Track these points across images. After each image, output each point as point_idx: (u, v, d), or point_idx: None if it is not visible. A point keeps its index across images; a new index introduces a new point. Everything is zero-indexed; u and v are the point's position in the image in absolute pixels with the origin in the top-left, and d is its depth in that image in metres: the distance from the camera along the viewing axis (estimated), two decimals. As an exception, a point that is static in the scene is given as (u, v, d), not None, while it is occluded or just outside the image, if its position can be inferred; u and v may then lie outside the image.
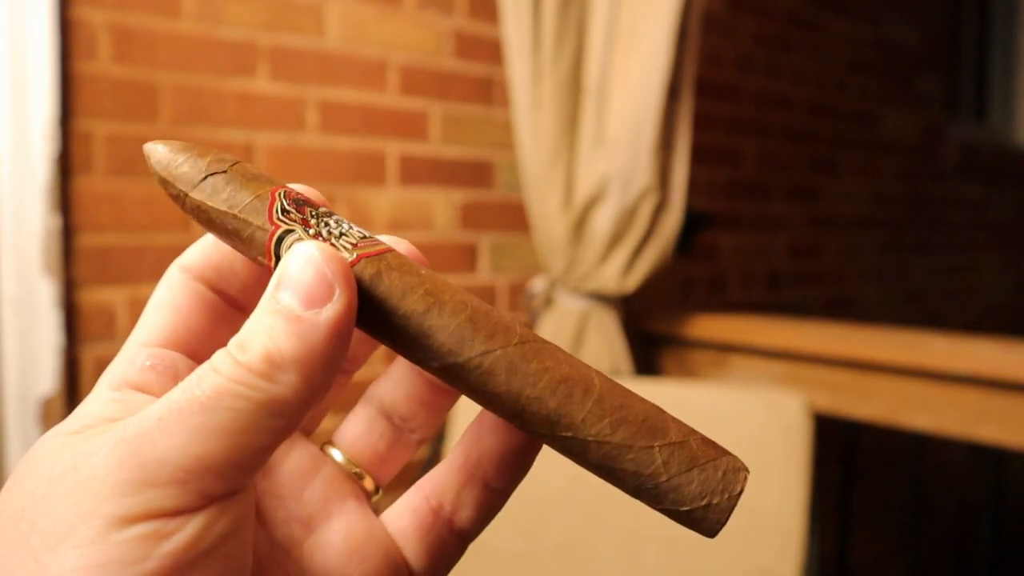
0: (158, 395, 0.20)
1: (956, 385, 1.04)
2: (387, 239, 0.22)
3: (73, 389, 0.96)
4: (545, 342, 0.20)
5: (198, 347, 0.22)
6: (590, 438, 0.19)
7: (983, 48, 2.67)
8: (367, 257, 0.20)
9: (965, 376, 1.02)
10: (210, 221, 0.21)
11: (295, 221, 0.21)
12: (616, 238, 1.18)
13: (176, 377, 0.21)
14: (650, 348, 1.38)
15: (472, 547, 0.23)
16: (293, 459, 0.23)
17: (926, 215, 2.34)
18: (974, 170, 2.53)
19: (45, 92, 0.92)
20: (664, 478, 0.19)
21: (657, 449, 0.19)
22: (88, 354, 0.97)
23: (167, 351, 0.22)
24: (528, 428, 0.20)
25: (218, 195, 0.21)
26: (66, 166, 0.94)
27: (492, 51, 1.30)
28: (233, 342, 0.19)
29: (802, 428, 0.90)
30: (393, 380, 0.24)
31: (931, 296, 2.36)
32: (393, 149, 1.21)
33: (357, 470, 0.24)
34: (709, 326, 1.31)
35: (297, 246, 0.20)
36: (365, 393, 0.25)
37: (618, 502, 0.92)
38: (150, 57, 0.99)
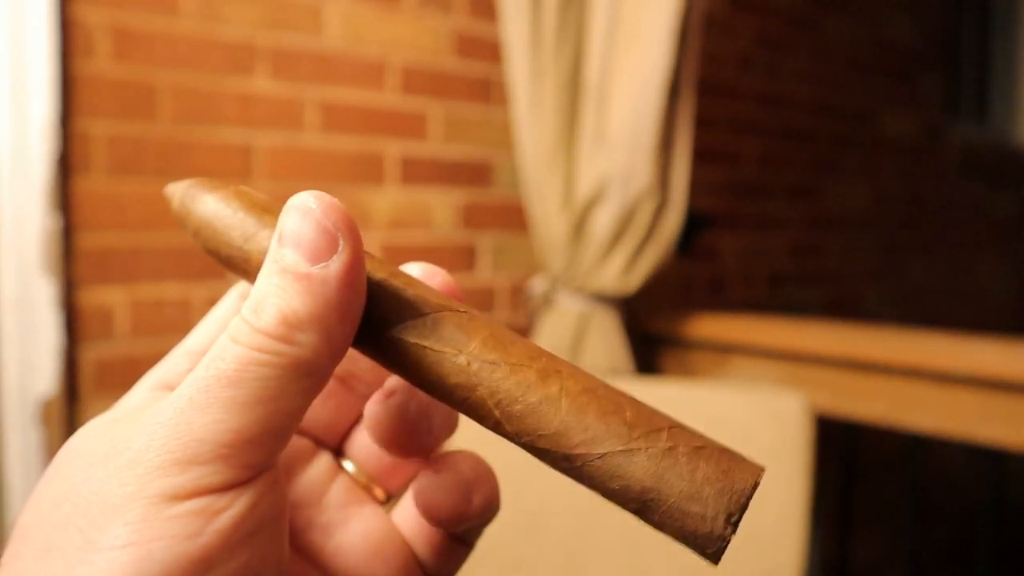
0: None
1: (956, 385, 1.03)
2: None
3: (73, 389, 0.95)
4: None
5: None
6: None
7: (983, 48, 2.67)
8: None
9: (965, 376, 1.02)
10: (220, 216, 0.22)
11: None
12: (616, 238, 1.17)
13: None
14: (650, 348, 1.38)
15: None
16: (312, 469, 0.23)
17: (927, 215, 2.34)
18: (975, 170, 2.53)
19: (44, 92, 0.91)
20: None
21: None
22: (87, 354, 0.96)
23: None
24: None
25: (245, 192, 0.23)
26: (65, 166, 0.94)
27: (492, 51, 1.30)
28: (246, 306, 0.19)
29: (802, 429, 0.90)
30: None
31: (931, 296, 2.36)
32: (393, 149, 1.21)
33: (365, 481, 0.24)
34: (709, 326, 1.31)
35: (293, 198, 0.19)
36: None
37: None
38: (149, 57, 0.99)
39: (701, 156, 1.53)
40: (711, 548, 0.18)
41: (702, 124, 1.48)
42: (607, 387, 0.19)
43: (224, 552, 0.17)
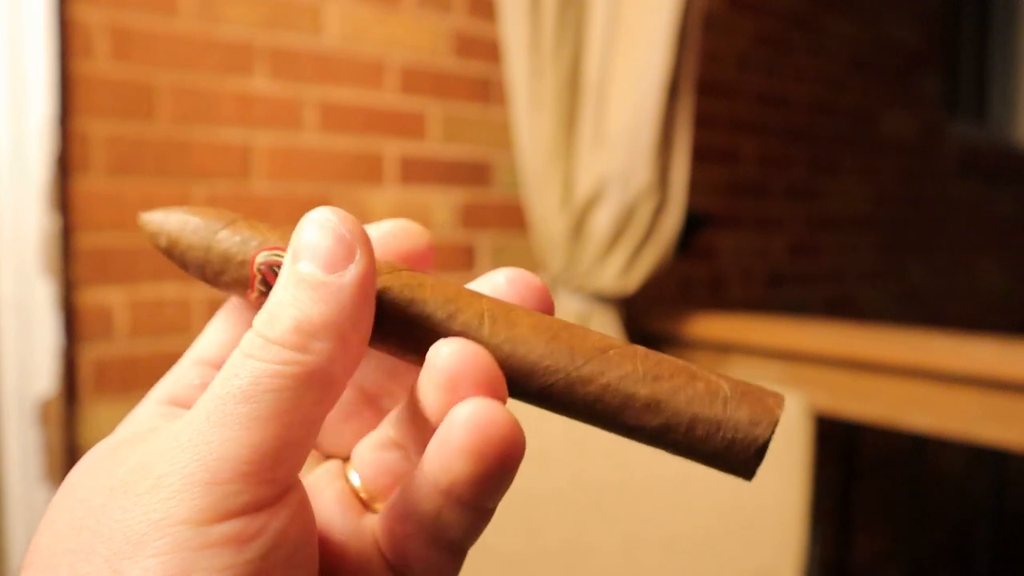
0: None
1: (956, 385, 1.03)
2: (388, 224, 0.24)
3: (72, 390, 0.95)
4: None
5: None
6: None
7: (983, 47, 2.67)
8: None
9: (965, 376, 1.02)
10: (208, 242, 0.22)
11: None
12: (616, 238, 1.17)
13: None
14: (649, 348, 1.38)
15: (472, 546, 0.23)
16: (312, 477, 0.23)
17: (926, 215, 2.34)
18: (974, 169, 2.53)
19: (43, 91, 0.91)
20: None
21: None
22: (86, 354, 0.96)
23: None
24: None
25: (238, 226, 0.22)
26: (64, 166, 0.94)
27: (491, 50, 1.29)
28: (259, 319, 0.19)
29: (802, 428, 0.90)
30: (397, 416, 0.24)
31: (931, 296, 2.36)
32: (392, 149, 1.21)
33: (365, 495, 0.23)
34: (709, 326, 1.31)
35: (309, 214, 0.19)
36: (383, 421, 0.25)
37: (619, 503, 0.92)
38: (148, 56, 0.99)
39: (701, 156, 1.53)
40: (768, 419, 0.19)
41: (702, 124, 1.48)
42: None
43: None
